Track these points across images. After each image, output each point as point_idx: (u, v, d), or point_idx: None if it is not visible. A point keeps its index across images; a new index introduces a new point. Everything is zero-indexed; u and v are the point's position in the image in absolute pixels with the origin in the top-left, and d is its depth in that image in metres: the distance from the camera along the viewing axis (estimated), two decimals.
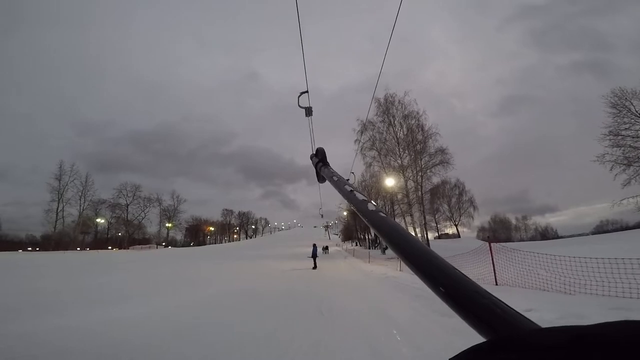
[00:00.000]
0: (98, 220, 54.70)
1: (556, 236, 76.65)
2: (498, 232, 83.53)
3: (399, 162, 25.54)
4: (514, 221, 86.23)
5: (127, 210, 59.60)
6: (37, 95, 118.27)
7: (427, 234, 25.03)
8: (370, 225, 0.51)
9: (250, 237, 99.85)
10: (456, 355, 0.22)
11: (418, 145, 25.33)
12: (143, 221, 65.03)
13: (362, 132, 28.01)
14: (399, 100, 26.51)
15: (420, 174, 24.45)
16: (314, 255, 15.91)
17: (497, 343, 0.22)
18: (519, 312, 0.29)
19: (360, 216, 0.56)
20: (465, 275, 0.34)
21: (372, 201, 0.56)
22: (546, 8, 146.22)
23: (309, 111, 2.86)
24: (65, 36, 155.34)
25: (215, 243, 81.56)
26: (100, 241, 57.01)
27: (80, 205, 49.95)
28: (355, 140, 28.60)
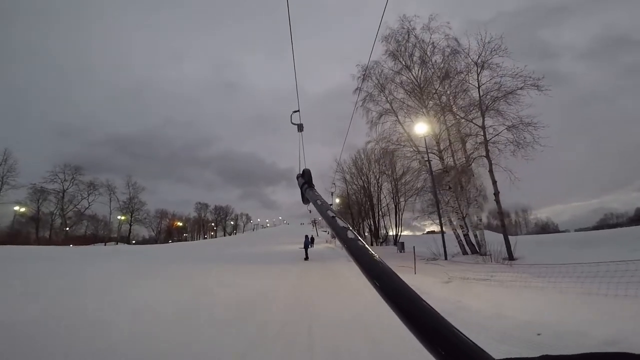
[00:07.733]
0: (17, 208, 41.18)
1: (557, 230, 70.48)
2: (497, 229, 76.74)
3: (424, 111, 17.13)
4: (513, 216, 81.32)
5: (62, 197, 47.52)
6: (15, 96, 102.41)
7: (504, 225, 13.81)
8: (348, 252, 0.52)
9: (230, 234, 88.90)
10: None
11: (449, 88, 16.95)
12: (107, 216, 54.25)
13: (363, 79, 19.38)
14: (425, 25, 17.56)
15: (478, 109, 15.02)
16: (306, 247, 17.34)
17: None
18: (479, 346, 0.31)
19: (340, 242, 0.57)
20: (432, 307, 0.36)
21: (352, 229, 0.57)
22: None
23: (300, 127, 2.77)
24: (44, 37, 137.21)
25: (194, 240, 71.52)
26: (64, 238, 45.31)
27: None
28: (355, 90, 19.99)
